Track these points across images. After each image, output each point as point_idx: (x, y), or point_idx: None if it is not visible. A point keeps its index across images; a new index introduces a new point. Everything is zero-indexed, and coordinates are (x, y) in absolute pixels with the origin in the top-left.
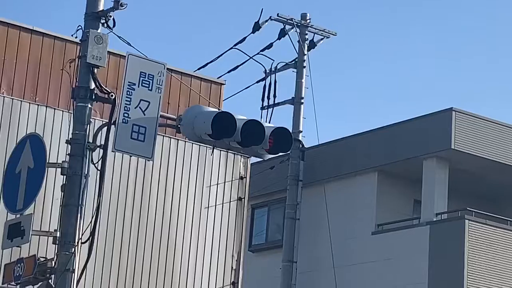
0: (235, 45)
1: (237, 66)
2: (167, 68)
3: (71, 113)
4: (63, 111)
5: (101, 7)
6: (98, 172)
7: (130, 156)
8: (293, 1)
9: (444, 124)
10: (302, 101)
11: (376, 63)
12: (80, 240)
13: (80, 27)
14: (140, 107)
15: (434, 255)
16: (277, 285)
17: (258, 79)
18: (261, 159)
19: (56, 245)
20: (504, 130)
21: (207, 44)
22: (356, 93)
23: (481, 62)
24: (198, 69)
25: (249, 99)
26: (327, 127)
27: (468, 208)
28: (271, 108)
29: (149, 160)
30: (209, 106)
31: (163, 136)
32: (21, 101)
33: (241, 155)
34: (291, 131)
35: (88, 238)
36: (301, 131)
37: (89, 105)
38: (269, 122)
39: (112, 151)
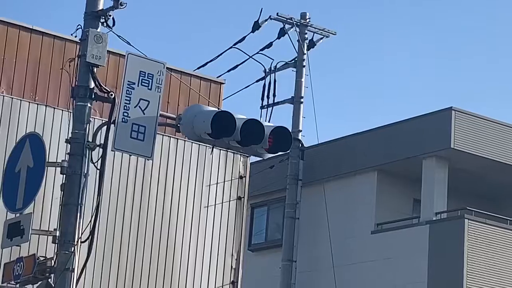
0: (234, 44)
1: (237, 65)
2: (167, 67)
3: (70, 112)
4: (62, 110)
5: (100, 6)
6: (98, 171)
7: (130, 155)
8: (293, 0)
9: (444, 123)
10: (302, 100)
11: (375, 62)
12: (79, 239)
13: (79, 26)
14: (139, 106)
15: (433, 254)
16: (276, 285)
17: (257, 78)
18: (261, 158)
19: (56, 244)
20: (503, 130)
21: (206, 43)
22: (355, 92)
23: (480, 62)
24: (198, 68)
25: (248, 99)
26: (326, 127)
27: (467, 208)
28: (271, 107)
29: (148, 159)
30: (208, 105)
31: (163, 135)
32: (20, 100)
33: (240, 154)
34: (290, 131)
35: (88, 237)
36: (301, 131)
37: (89, 104)
38: (269, 121)
39: (111, 150)
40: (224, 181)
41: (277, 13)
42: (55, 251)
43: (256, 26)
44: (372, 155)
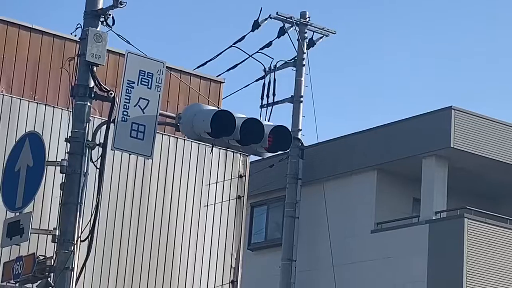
0: (234, 43)
1: (237, 65)
2: (167, 67)
3: (70, 111)
4: (62, 109)
5: (100, 5)
6: (97, 170)
7: (130, 155)
8: None
9: (444, 122)
10: (302, 99)
11: (375, 61)
12: (79, 238)
13: (79, 25)
14: (139, 105)
15: (433, 253)
16: (276, 284)
17: (257, 78)
18: (260, 158)
19: (56, 243)
20: (503, 129)
21: (206, 42)
22: (355, 91)
23: (480, 61)
24: (198, 67)
25: (248, 98)
26: (326, 126)
27: (467, 207)
28: (271, 107)
29: (148, 158)
30: (208, 104)
31: (162, 134)
32: (20, 99)
33: (240, 154)
34: (290, 130)
35: (88, 236)
36: (301, 130)
37: (88, 103)
38: (269, 121)
39: (111, 149)
40: (223, 180)
41: (277, 12)
42: (55, 250)
43: (256, 25)
44: (372, 154)
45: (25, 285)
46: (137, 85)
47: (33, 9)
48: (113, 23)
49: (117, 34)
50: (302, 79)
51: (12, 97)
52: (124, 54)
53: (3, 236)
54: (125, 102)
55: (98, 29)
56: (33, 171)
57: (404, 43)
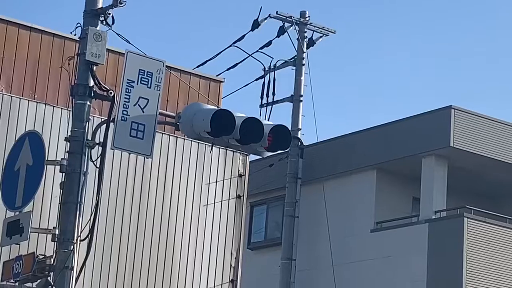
0: (234, 42)
1: (236, 64)
2: (166, 66)
3: (70, 110)
4: (62, 108)
5: (100, 5)
6: (97, 169)
7: (129, 154)
8: None
9: (443, 122)
10: (301, 99)
11: (375, 61)
12: (79, 238)
13: (79, 24)
14: (139, 105)
15: (433, 253)
16: (276, 283)
17: (257, 77)
18: (260, 157)
19: (55, 243)
20: (503, 128)
21: (206, 41)
22: (355, 91)
23: (480, 61)
24: (197, 66)
25: (248, 97)
26: (326, 125)
27: (467, 206)
28: (270, 106)
29: (148, 158)
30: (208, 103)
31: (162, 133)
32: (20, 98)
33: (240, 153)
34: (290, 129)
35: (87, 236)
36: (300, 129)
37: (88, 103)
38: (268, 120)
39: (111, 149)
40: (223, 180)
41: (277, 12)
42: (55, 249)
43: (256, 25)
44: (372, 154)
45: (25, 284)
46: (137, 84)
47: (33, 8)
48: (113, 22)
49: (116, 33)
50: (302, 78)
51: (11, 96)
52: (123, 53)
53: (3, 235)
54: (124, 101)
55: (97, 28)
56: (32, 170)
57: (404, 43)
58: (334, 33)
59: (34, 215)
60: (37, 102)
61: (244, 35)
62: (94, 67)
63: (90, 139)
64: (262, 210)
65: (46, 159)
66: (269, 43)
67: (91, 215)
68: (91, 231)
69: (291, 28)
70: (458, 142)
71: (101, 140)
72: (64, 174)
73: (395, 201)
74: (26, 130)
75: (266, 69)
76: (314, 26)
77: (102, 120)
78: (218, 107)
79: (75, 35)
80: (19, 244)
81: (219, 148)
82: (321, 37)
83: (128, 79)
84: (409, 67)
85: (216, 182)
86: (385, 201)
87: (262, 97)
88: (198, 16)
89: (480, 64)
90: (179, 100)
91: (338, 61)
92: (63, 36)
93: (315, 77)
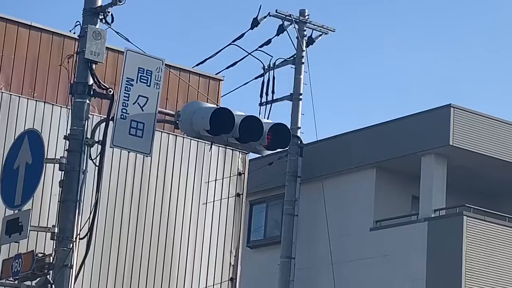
0: (233, 41)
1: (236, 62)
2: (166, 64)
3: (69, 109)
4: (61, 106)
5: (99, 3)
6: (96, 168)
7: (128, 152)
8: None
9: (443, 120)
10: (301, 97)
11: (374, 59)
12: (78, 236)
13: (78, 22)
14: (138, 103)
15: (432, 251)
16: (275, 281)
17: (256, 75)
18: (260, 155)
19: (54, 241)
20: (502, 127)
21: (205, 40)
22: (354, 89)
23: (480, 60)
24: (197, 65)
25: (247, 95)
26: (325, 124)
27: (466, 204)
28: (270, 104)
29: (147, 156)
30: (207, 102)
31: (161, 132)
32: (19, 97)
33: (239, 151)
34: (289, 127)
35: (86, 234)
36: (300, 127)
37: (87, 101)
38: (268, 118)
39: (110, 147)
40: (222, 178)
41: (276, 10)
42: (54, 247)
43: (255, 23)
44: (371, 152)
45: (24, 283)
46: (136, 82)
47: (32, 6)
48: (112, 21)
49: (116, 31)
50: (301, 76)
51: (11, 94)
52: (123, 52)
53: (2, 234)
54: (124, 99)
55: (97, 26)
56: (32, 168)
57: (404, 41)
58: (334, 31)
59: (34, 213)
60: (36, 100)
61: (244, 34)
62: (94, 66)
63: (89, 137)
64: (261, 209)
65: (46, 157)
66: (268, 42)
67: (90, 213)
68: (91, 229)
69: (291, 26)
70: (458, 140)
71: (101, 138)
72: (63, 172)
73: (394, 199)
74: (26, 128)
75: (266, 67)
76: (314, 25)
77: (102, 118)
78: (217, 105)
79: (74, 33)
80: (19, 243)
81: (219, 146)
82: (320, 35)
83: (127, 78)
84: (409, 66)
85: (216, 180)
86: (384, 200)
87: (261, 96)
88: (198, 15)
89: (479, 62)
90: (179, 99)
91: (337, 59)
92: (62, 34)
93: (315, 75)
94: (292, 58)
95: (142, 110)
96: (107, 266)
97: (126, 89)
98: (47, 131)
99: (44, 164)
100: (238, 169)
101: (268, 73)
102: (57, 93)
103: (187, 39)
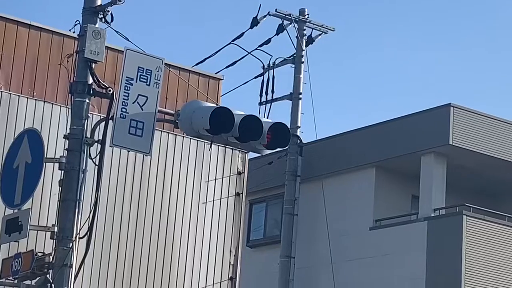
0: (233, 40)
1: (235, 62)
2: (165, 63)
3: (69, 108)
4: (61, 106)
5: (99, 2)
6: (96, 167)
7: (128, 151)
8: None
9: (442, 119)
10: (300, 96)
11: (374, 58)
12: (78, 235)
13: (78, 22)
14: (138, 102)
15: (432, 250)
16: (275, 281)
17: (256, 75)
18: (259, 155)
19: (54, 240)
20: (502, 126)
21: (205, 39)
22: (354, 88)
23: (480, 59)
24: (196, 64)
25: (247, 95)
26: (325, 123)
27: (466, 204)
28: (269, 104)
29: (147, 155)
30: (207, 101)
31: (161, 131)
32: (19, 96)
33: (239, 150)
34: (289, 127)
35: (86, 233)
36: (299, 127)
37: (87, 100)
38: (267, 118)
39: (110, 146)
40: (222, 177)
41: (276, 9)
42: (53, 247)
43: (255, 22)
44: (371, 152)
45: (24, 282)
46: (136, 82)
47: (32, 5)
48: (112, 20)
49: (115, 31)
50: (301, 76)
51: (10, 94)
52: (122, 51)
53: (2, 233)
54: (123, 99)
55: (96, 25)
56: (31, 168)
57: (403, 40)
58: (333, 30)
59: (33, 213)
60: (36, 100)
61: (244, 33)
62: (93, 65)
63: (89, 136)
64: (261, 208)
65: (45, 156)
66: (268, 41)
67: (90, 212)
68: (90, 228)
69: (290, 26)
70: (457, 140)
71: (100, 137)
72: (63, 171)
73: (394, 199)
74: (25, 128)
75: (265, 66)
76: (313, 24)
77: (101, 117)
78: (217, 104)
79: (74, 32)
80: (18, 242)
81: (218, 145)
82: (320, 34)
83: (127, 77)
84: (409, 65)
85: (215, 179)
86: (384, 199)
87: (261, 95)
88: (197, 14)
89: (479, 62)
90: (178, 98)
91: (337, 59)
92: (62, 34)
93: (314, 75)
94: (291, 57)
95: (142, 109)
96: (106, 266)
97: (126, 88)
98: (47, 130)
99: (44, 164)
100: (237, 168)
101: (267, 72)
102: (57, 92)
103: (187, 38)
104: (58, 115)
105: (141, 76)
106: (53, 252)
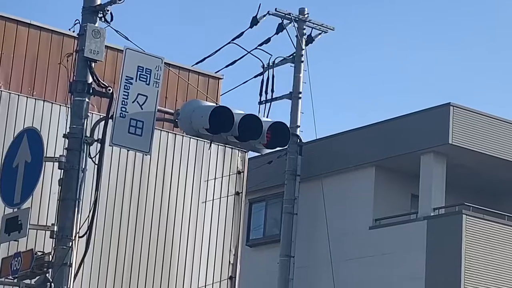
0: (233, 39)
1: (235, 61)
2: (165, 63)
3: (68, 107)
4: (60, 105)
5: (98, 1)
6: (96, 166)
7: (128, 151)
8: None
9: (442, 119)
10: (300, 95)
11: (374, 58)
12: (77, 234)
13: (77, 21)
14: (137, 102)
15: (431, 249)
16: (274, 280)
17: (256, 74)
18: (259, 154)
19: (54, 239)
20: (502, 125)
21: (205, 38)
22: (354, 88)
23: (479, 58)
24: (196, 63)
25: (246, 94)
26: (325, 122)
27: (465, 203)
28: (269, 103)
29: (146, 155)
30: (206, 100)
31: (161, 130)
32: (18, 95)
33: (238, 150)
34: (288, 126)
35: (86, 232)
36: (299, 126)
37: (87, 99)
38: (267, 117)
39: (109, 145)
40: (222, 177)
41: (276, 9)
42: (53, 246)
43: (254, 22)
44: (370, 151)
45: (24, 281)
46: (136, 81)
47: (31, 4)
48: (112, 19)
49: (115, 30)
50: (301, 75)
51: (10, 93)
52: (122, 50)
53: (1, 232)
54: (123, 98)
55: (96, 25)
56: (31, 167)
57: (403, 40)
58: (333, 30)
59: (33, 212)
60: (35, 99)
61: (243, 32)
62: (93, 64)
63: (88, 136)
64: (260, 207)
65: (45, 155)
66: (268, 40)
67: (89, 212)
68: (90, 228)
69: (290, 25)
70: (457, 139)
71: (100, 137)
72: (62, 171)
73: (393, 198)
74: (25, 127)
75: (265, 66)
76: (313, 23)
77: (101, 117)
78: (216, 104)
79: (73, 31)
80: (18, 241)
81: (218, 145)
82: (320, 34)
83: (126, 76)
84: (408, 65)
85: (215, 179)
86: (383, 198)
87: (260, 94)
88: (197, 13)
89: (479, 62)
90: (178, 97)
91: (337, 58)
92: (61, 33)
93: (314, 74)
94: (291, 56)
95: (142, 109)
96: (106, 265)
97: (126, 87)
98: (46, 129)
99: (43, 163)
100: (237, 167)
101: (267, 71)
102: (56, 92)
103: (187, 37)
104: (58, 114)
105: (141, 75)
106: (53, 251)
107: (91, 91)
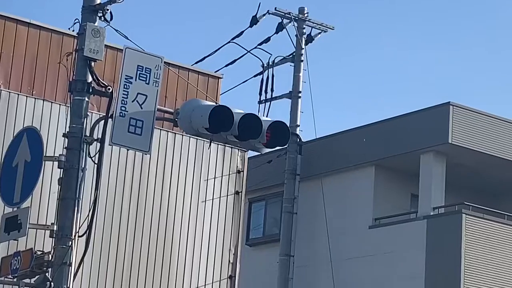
0: (232, 39)
1: (235, 60)
2: (165, 62)
3: (68, 106)
4: (60, 104)
5: (98, 0)
6: (95, 165)
7: (127, 150)
8: None
9: (442, 118)
10: (300, 95)
11: (373, 57)
12: (77, 234)
13: (77, 20)
14: (137, 101)
15: (431, 249)
16: (274, 279)
17: (255, 73)
18: (259, 153)
19: (53, 239)
20: (502, 125)
21: (204, 38)
22: (354, 87)
23: (480, 59)
24: (196, 63)
25: (246, 93)
26: (324, 121)
27: (465, 202)
28: (269, 102)
29: (146, 154)
30: (206, 100)
31: (160, 129)
32: (18, 94)
33: (238, 149)
34: (288, 125)
35: (85, 232)
36: (299, 125)
37: (86, 99)
38: (267, 116)
39: (109, 145)
40: (221, 176)
41: (275, 8)
42: (53, 245)
43: (254, 21)
44: (370, 150)
45: (23, 280)
46: (135, 80)
47: (31, 4)
48: (111, 18)
49: (115, 29)
50: (300, 74)
51: (10, 92)
52: (122, 49)
53: (1, 231)
54: (123, 97)
55: (96, 24)
56: (31, 166)
57: (403, 39)
58: (333, 29)
59: (32, 211)
60: (35, 98)
61: (243, 32)
62: (92, 63)
63: (88, 135)
64: (260, 207)
65: (44, 155)
66: (267, 40)
67: (89, 211)
68: (89, 227)
69: (290, 24)
70: (457, 138)
71: (99, 136)
72: (62, 170)
73: (393, 197)
74: (24, 126)
75: (265, 65)
76: (313, 23)
77: (100, 116)
78: (216, 103)
79: (73, 31)
80: (17, 240)
81: (218, 144)
82: (319, 33)
83: (126, 75)
84: (408, 65)
85: (215, 178)
86: (383, 198)
87: (260, 94)
88: (197, 13)
89: (479, 62)
90: (178, 96)
91: (336, 57)
92: (61, 32)
93: (314, 73)
94: (291, 56)
95: (141, 108)
96: (106, 264)
97: (125, 86)
98: (46, 128)
99: (43, 162)
100: (237, 167)
101: (267, 71)
102: (56, 91)
103: (186, 37)
104: (58, 113)
105: (141, 75)
106: (53, 250)
107: (90, 90)
